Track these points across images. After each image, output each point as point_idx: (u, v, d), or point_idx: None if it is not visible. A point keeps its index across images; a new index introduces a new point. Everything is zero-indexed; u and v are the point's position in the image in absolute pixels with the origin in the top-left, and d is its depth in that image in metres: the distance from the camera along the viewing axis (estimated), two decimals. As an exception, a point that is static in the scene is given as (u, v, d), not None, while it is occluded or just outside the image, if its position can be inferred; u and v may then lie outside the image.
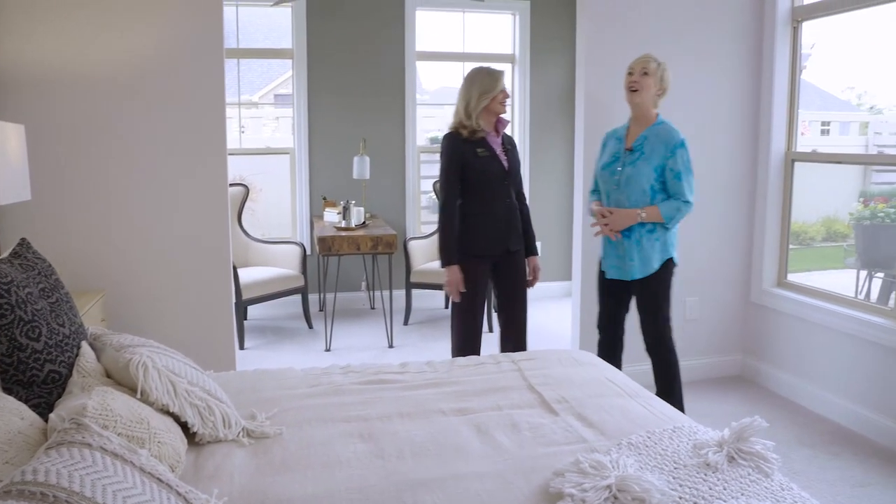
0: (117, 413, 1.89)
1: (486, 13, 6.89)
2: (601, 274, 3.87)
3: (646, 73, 3.62)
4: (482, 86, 3.67)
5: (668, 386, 3.70)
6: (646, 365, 4.56)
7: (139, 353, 2.24)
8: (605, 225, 3.68)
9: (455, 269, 3.70)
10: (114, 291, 3.74)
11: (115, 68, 3.61)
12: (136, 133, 3.68)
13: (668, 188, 3.59)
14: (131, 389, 2.15)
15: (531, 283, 3.98)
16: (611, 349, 3.89)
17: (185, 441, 2.18)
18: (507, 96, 3.73)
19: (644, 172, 3.57)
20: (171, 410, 2.18)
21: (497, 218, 3.76)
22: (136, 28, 3.61)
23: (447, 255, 3.71)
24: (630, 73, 3.67)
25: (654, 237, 3.61)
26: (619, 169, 3.65)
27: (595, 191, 3.88)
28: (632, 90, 3.65)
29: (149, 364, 2.19)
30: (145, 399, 2.13)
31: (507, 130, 4.21)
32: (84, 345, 2.27)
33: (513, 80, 6.94)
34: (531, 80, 6.89)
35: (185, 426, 2.23)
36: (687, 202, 3.57)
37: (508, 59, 6.94)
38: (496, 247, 3.78)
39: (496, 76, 3.69)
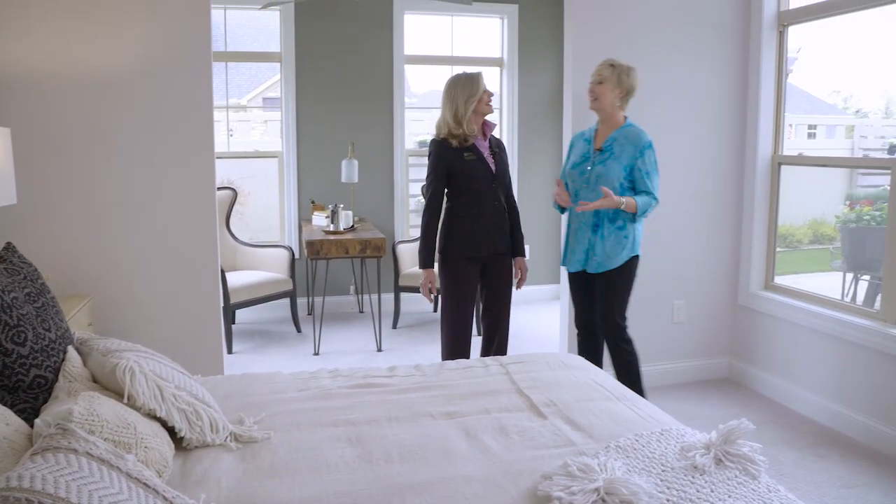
0: (104, 418, 1.88)
1: (474, 17, 6.90)
2: (569, 273, 3.94)
3: (599, 82, 3.75)
4: (466, 90, 3.72)
5: (629, 376, 3.76)
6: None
7: (126, 357, 2.23)
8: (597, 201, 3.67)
9: (431, 272, 3.80)
10: (101, 296, 3.72)
11: (102, 71, 3.59)
12: (123, 136, 3.66)
13: (637, 186, 3.71)
14: (118, 394, 2.14)
15: (518, 285, 4.04)
16: (590, 348, 3.94)
17: (173, 446, 2.17)
18: (490, 95, 3.79)
19: (614, 171, 3.68)
20: (158, 415, 2.17)
21: (485, 220, 3.80)
22: (123, 31, 3.59)
23: (423, 258, 3.80)
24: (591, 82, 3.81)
25: (623, 234, 3.71)
26: (589, 168, 3.76)
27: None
28: (591, 99, 3.79)
29: (136, 369, 2.18)
30: (132, 404, 2.12)
31: (496, 133, 4.23)
32: (70, 349, 2.26)
33: (501, 84, 6.95)
34: (519, 83, 6.90)
35: (172, 431, 2.22)
36: (656, 198, 3.71)
37: (496, 62, 6.95)
38: (484, 248, 3.82)
39: (475, 78, 3.75)
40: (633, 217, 3.69)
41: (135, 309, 3.78)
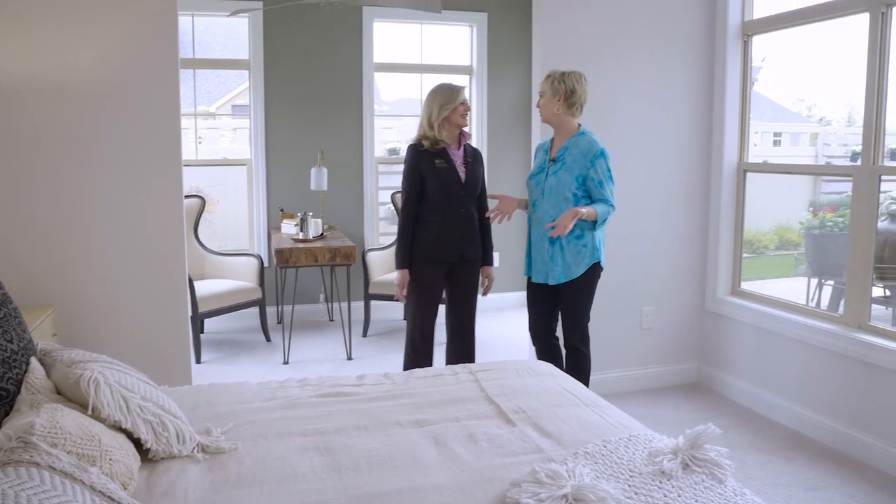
0: (67, 430, 1.86)
1: (443, 25, 6.92)
2: (528, 279, 3.95)
3: (540, 95, 3.81)
4: (442, 98, 3.84)
5: (581, 377, 3.78)
6: (605, 374, 4.61)
7: (91, 368, 2.20)
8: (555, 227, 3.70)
9: (404, 272, 3.93)
10: (65, 306, 3.67)
11: (67, 78, 3.55)
12: (89, 144, 3.62)
13: (593, 195, 3.71)
14: (82, 406, 2.11)
15: (484, 292, 4.15)
16: (548, 358, 3.93)
17: (138, 458, 2.15)
18: (467, 109, 3.89)
19: (566, 182, 3.69)
20: (123, 427, 2.15)
21: (452, 227, 3.89)
22: (87, 37, 3.56)
23: (399, 259, 3.95)
24: None
25: (582, 243, 3.71)
26: (544, 179, 3.78)
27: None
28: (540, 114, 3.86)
29: (100, 380, 2.15)
30: (97, 416, 2.09)
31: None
32: (33, 361, 2.22)
33: (471, 91, 6.97)
34: (489, 91, 6.93)
35: (138, 443, 2.20)
36: (612, 206, 3.73)
37: (466, 70, 6.98)
38: (450, 254, 3.92)
39: (456, 90, 3.87)
40: (593, 225, 3.70)
41: (100, 319, 3.73)
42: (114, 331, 3.75)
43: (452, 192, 3.87)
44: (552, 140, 3.89)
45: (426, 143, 3.88)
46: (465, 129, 3.97)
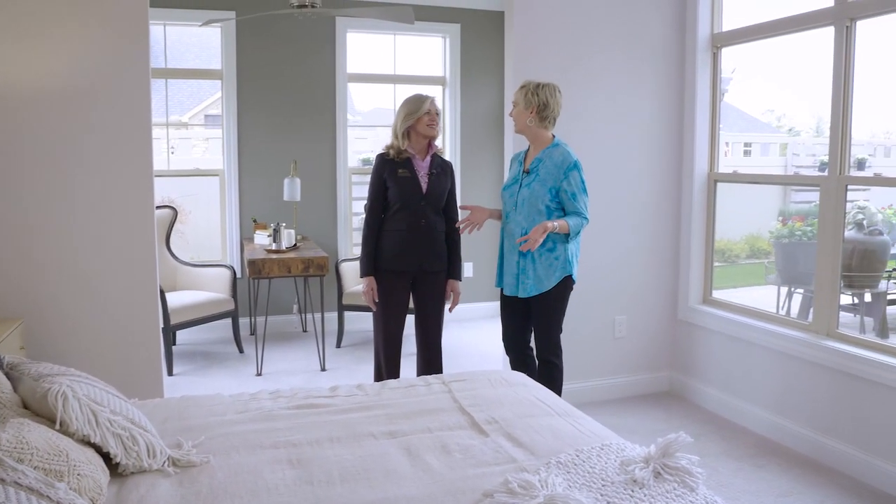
0: (33, 446, 1.83)
1: (416, 36, 6.93)
2: (501, 291, 3.95)
3: (514, 105, 3.82)
4: (408, 108, 3.89)
5: (553, 388, 3.79)
6: (578, 383, 4.63)
7: (59, 382, 2.17)
8: (526, 241, 3.71)
9: (371, 279, 3.96)
10: (33, 318, 3.62)
11: (36, 87, 3.51)
12: (58, 154, 3.58)
13: (566, 207, 3.71)
14: (50, 420, 2.08)
15: (450, 308, 4.14)
16: (522, 369, 3.91)
17: (108, 472, 2.12)
18: (432, 119, 3.89)
19: (539, 194, 3.69)
20: (92, 441, 2.12)
21: (410, 237, 3.91)
22: (58, 47, 3.52)
23: (364, 266, 3.98)
24: None
25: (554, 256, 3.70)
26: (518, 190, 3.79)
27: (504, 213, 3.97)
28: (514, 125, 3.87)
29: (69, 393, 2.13)
30: (65, 430, 2.06)
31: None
32: (0, 375, 2.19)
33: (444, 102, 6.98)
34: (462, 102, 6.95)
35: (107, 457, 2.17)
36: (586, 218, 3.72)
37: (439, 81, 7.00)
38: (408, 264, 3.94)
39: (421, 99, 3.89)
40: (566, 238, 3.69)
41: (70, 332, 3.68)
42: (83, 343, 3.70)
43: (413, 202, 3.89)
44: (526, 151, 3.90)
45: (392, 153, 3.92)
46: (436, 140, 3.99)
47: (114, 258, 3.72)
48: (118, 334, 3.76)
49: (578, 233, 3.70)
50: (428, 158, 3.95)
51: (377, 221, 3.95)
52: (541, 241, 3.55)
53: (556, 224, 3.58)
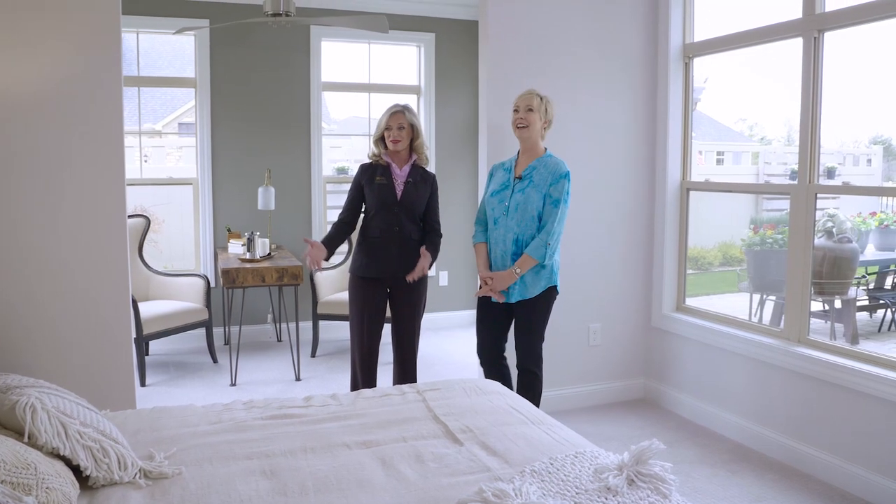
0: (0, 459, 1.80)
1: (391, 45, 6.94)
2: (482, 299, 3.94)
3: (530, 110, 3.82)
4: (381, 118, 3.99)
5: (532, 398, 3.81)
6: (553, 391, 4.64)
7: (27, 394, 2.15)
8: (490, 289, 3.82)
9: (320, 245, 3.93)
10: (1, 328, 3.56)
11: (5, 94, 3.47)
12: (28, 162, 3.53)
13: (543, 214, 3.74)
14: (18, 433, 2.05)
15: (412, 276, 3.97)
16: (496, 379, 3.86)
17: (77, 485, 2.09)
18: (392, 135, 3.92)
19: (533, 199, 3.73)
20: (61, 454, 2.09)
21: (384, 243, 3.95)
22: (28, 54, 3.48)
23: (324, 238, 4.03)
24: (516, 111, 3.87)
25: (540, 265, 3.74)
26: (509, 196, 3.80)
27: (481, 221, 3.97)
28: (520, 126, 3.84)
29: (37, 405, 2.10)
30: (33, 443, 2.04)
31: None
32: (-34, 387, 2.16)
33: (419, 110, 6.98)
34: (436, 111, 6.96)
35: (77, 469, 2.14)
36: (550, 233, 3.70)
37: (414, 90, 7.01)
38: (383, 271, 3.97)
39: (386, 113, 3.97)
40: (542, 263, 3.74)
41: (39, 342, 3.63)
42: (53, 354, 3.65)
43: (387, 207, 3.93)
44: (515, 160, 3.91)
45: (372, 159, 4.02)
46: (418, 150, 4.01)
47: (85, 267, 3.67)
48: (89, 345, 3.72)
49: (545, 254, 3.70)
50: (407, 167, 3.97)
51: (348, 216, 4.04)
52: (502, 288, 3.77)
53: (519, 269, 3.71)
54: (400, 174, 3.97)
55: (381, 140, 3.99)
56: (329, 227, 4.12)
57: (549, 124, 3.89)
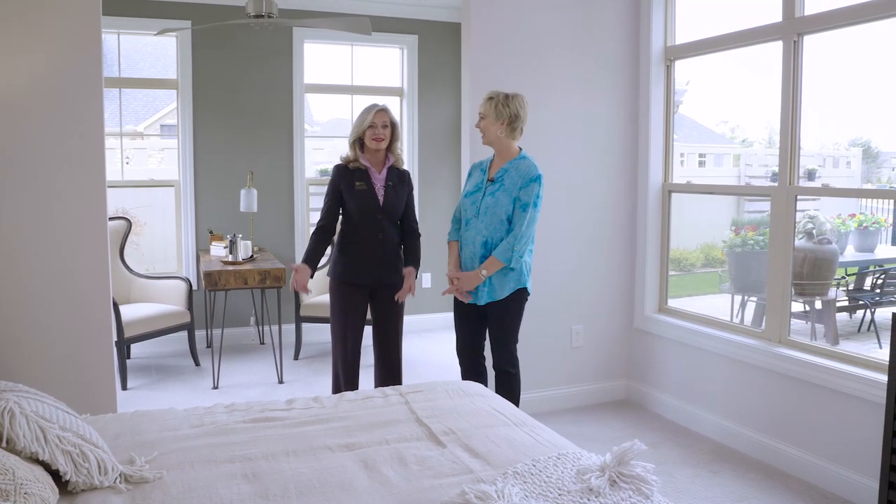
0: (-22, 464, 1.79)
1: (374, 47, 6.94)
2: (454, 299, 3.95)
3: (481, 117, 3.81)
4: (358, 120, 3.92)
5: (511, 398, 3.81)
6: (536, 392, 4.64)
7: (5, 398, 2.13)
8: (456, 289, 3.84)
9: (303, 267, 3.90)
10: (-19, 333, 3.53)
11: (-17, 99, 3.44)
12: (6, 164, 3.49)
13: (513, 217, 3.72)
14: (-4, 438, 2.03)
15: (400, 296, 4.02)
16: (474, 378, 3.91)
17: (57, 491, 2.07)
18: (375, 133, 3.86)
19: (502, 203, 3.72)
20: (40, 458, 2.07)
21: (367, 249, 3.91)
22: (7, 54, 3.45)
23: (304, 256, 3.97)
24: None
25: (510, 266, 3.74)
26: (481, 198, 3.80)
27: (457, 219, 3.97)
28: (481, 135, 3.86)
29: (16, 410, 2.08)
30: (11, 448, 2.02)
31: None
32: (-57, 392, 2.14)
33: (401, 113, 6.99)
34: (419, 113, 6.96)
35: (57, 474, 2.12)
36: (517, 237, 3.69)
37: (397, 92, 7.00)
38: (366, 276, 3.94)
39: (368, 110, 3.89)
40: (509, 266, 3.73)
41: (19, 346, 3.60)
42: (33, 358, 3.62)
43: (370, 215, 3.88)
44: (491, 161, 3.90)
45: (349, 163, 3.94)
46: (394, 152, 3.97)
47: (65, 270, 3.64)
48: (70, 348, 3.69)
49: (511, 257, 3.69)
50: (384, 171, 3.94)
51: (328, 222, 3.95)
52: (469, 289, 3.78)
53: (486, 270, 3.71)
54: (379, 178, 3.92)
55: (357, 142, 3.92)
56: (310, 232, 4.03)
57: (511, 122, 3.74)
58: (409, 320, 6.38)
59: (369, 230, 3.89)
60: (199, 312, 6.19)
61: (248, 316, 6.59)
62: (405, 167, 4.11)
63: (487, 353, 3.99)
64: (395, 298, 4.00)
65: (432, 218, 7.01)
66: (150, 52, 7.07)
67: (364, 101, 6.77)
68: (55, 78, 3.54)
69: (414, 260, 4.06)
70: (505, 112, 3.73)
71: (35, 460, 2.07)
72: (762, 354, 3.98)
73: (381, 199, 3.89)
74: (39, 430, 2.11)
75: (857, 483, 3.49)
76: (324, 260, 5.77)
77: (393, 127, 3.93)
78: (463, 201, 3.92)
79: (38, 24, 3.49)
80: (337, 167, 3.97)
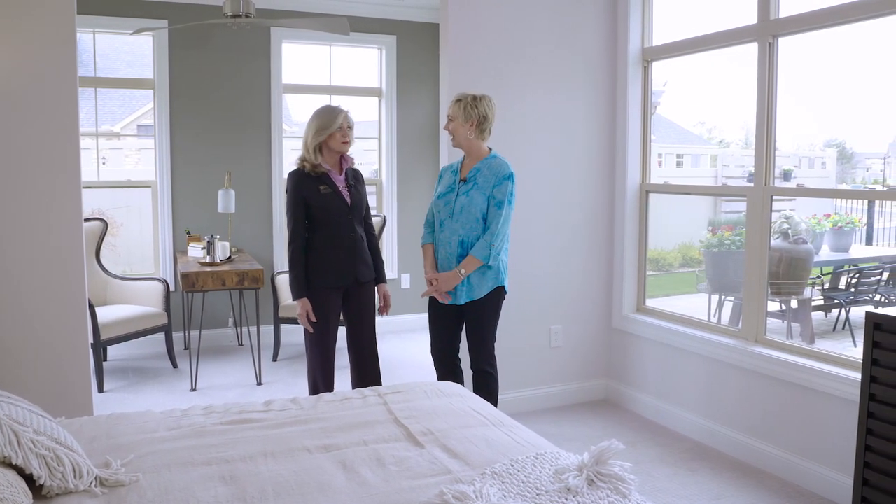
0: (-51, 468, 1.76)
1: (352, 47, 6.92)
2: (432, 300, 3.95)
3: (449, 119, 3.83)
4: (320, 122, 3.78)
5: (490, 399, 3.82)
6: (515, 392, 4.65)
7: (-23, 402, 2.10)
8: (435, 290, 3.84)
9: (305, 301, 3.82)
10: (-46, 335, 3.49)
11: (-45, 98, 3.40)
12: (-21, 167, 3.47)
13: (488, 216, 3.74)
14: (-32, 442, 2.01)
15: (381, 312, 4.11)
16: (450, 380, 3.88)
17: (30, 495, 2.05)
18: (345, 135, 3.81)
19: (477, 201, 3.73)
20: (14, 462, 2.05)
21: (342, 250, 3.87)
22: (-22, 56, 3.42)
23: (297, 288, 3.84)
24: None
25: (487, 265, 3.75)
26: (454, 198, 3.80)
27: (429, 223, 3.97)
28: (450, 138, 3.87)
29: (-12, 413, 2.06)
30: (-16, 452, 1.99)
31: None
32: (-86, 395, 2.11)
33: (379, 113, 6.99)
34: (398, 113, 6.96)
35: (30, 479, 2.10)
36: (494, 234, 3.71)
37: (375, 92, 6.99)
38: (343, 278, 3.90)
39: (335, 113, 3.80)
40: (487, 264, 3.75)
41: (-8, 349, 3.56)
42: (7, 361, 3.58)
43: (340, 217, 3.84)
44: (461, 163, 3.91)
45: (307, 167, 3.81)
46: (347, 153, 3.91)
47: (40, 271, 3.61)
48: (44, 351, 3.65)
49: (489, 255, 3.70)
50: (343, 171, 3.90)
51: (302, 240, 3.82)
52: (448, 289, 3.78)
53: (464, 270, 3.72)
54: (340, 179, 3.87)
55: (318, 148, 3.80)
56: (287, 254, 3.85)
57: (479, 123, 3.76)
58: (387, 321, 6.38)
59: (341, 231, 3.85)
60: (176, 314, 6.15)
61: (227, 317, 6.55)
62: (357, 166, 4.06)
63: (462, 354, 4.00)
64: (381, 314, 4.07)
65: (409, 217, 7.01)
66: (126, 51, 7.01)
67: (342, 102, 6.79)
68: (29, 77, 3.51)
69: (382, 275, 4.08)
70: (473, 113, 3.74)
71: (8, 465, 2.04)
72: (739, 353, 4.01)
73: (348, 199, 3.86)
74: (12, 434, 2.08)
75: (832, 480, 3.53)
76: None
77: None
78: (436, 202, 3.91)
79: (11, 23, 3.45)
80: (295, 174, 3.84)
